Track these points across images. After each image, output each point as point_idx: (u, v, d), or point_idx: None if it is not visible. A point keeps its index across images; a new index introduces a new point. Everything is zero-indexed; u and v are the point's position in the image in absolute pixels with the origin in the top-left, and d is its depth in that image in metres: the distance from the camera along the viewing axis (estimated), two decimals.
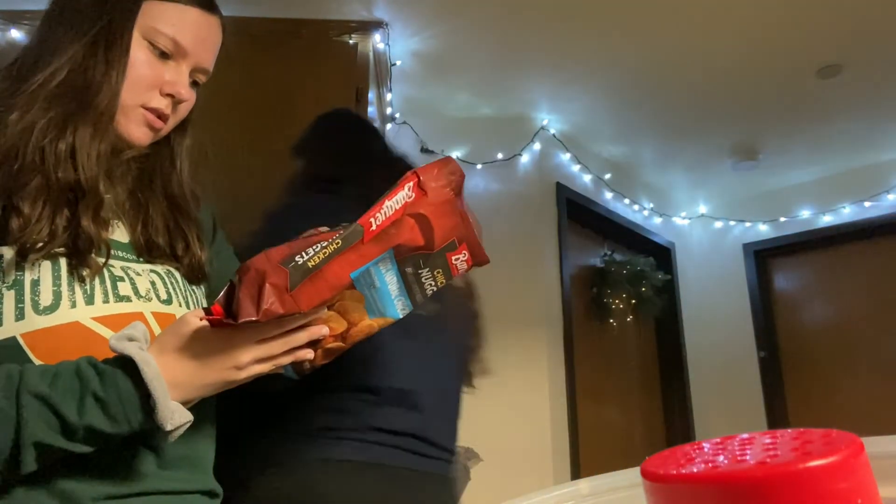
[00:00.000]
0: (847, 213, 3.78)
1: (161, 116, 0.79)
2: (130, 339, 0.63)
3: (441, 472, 1.10)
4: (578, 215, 3.41)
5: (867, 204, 3.71)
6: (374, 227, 0.67)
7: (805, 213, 3.93)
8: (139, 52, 0.76)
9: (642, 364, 3.82)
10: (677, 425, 3.77)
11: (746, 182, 3.99)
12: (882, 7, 2.47)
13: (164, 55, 0.78)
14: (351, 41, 2.42)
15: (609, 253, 3.66)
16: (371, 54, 2.44)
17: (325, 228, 0.70)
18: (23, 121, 0.69)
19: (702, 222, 4.30)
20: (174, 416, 0.62)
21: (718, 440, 0.53)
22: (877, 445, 0.52)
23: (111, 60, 0.74)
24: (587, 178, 3.47)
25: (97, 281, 0.71)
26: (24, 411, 0.58)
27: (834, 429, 0.46)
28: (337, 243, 0.65)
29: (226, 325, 0.63)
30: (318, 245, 0.65)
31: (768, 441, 0.48)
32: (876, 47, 2.72)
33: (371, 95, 2.44)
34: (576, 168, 3.40)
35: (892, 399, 3.48)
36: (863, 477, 0.41)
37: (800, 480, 0.39)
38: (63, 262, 0.69)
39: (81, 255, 0.69)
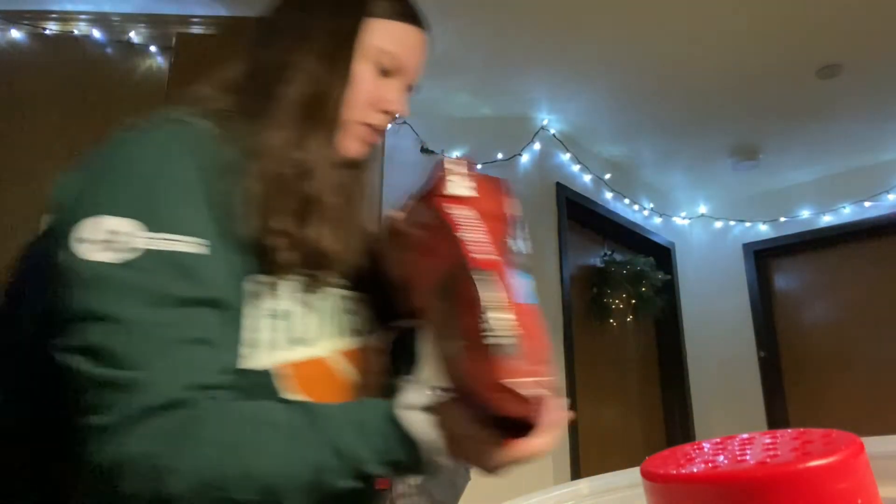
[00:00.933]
0: (847, 213, 3.78)
1: (378, 133, 0.79)
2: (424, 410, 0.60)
3: None
4: (578, 215, 3.41)
5: (867, 204, 3.71)
6: (487, 257, 0.60)
7: (805, 213, 3.93)
8: (362, 69, 0.76)
9: (642, 364, 3.82)
10: (677, 425, 3.77)
11: (746, 182, 3.99)
12: (882, 7, 2.47)
13: (385, 72, 0.78)
14: None
15: (609, 253, 3.66)
16: None
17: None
18: (277, 139, 0.69)
19: (702, 222, 4.30)
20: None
21: (718, 440, 0.53)
22: (877, 445, 0.52)
23: (338, 75, 0.74)
24: (587, 178, 3.47)
25: (333, 312, 0.73)
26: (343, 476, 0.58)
27: (834, 429, 0.46)
28: (502, 296, 0.57)
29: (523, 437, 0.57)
30: (483, 319, 0.55)
31: (768, 441, 0.48)
32: (876, 47, 2.72)
33: None
34: (576, 168, 3.40)
35: (892, 399, 3.48)
36: (863, 477, 0.41)
37: (800, 480, 0.39)
38: (308, 290, 0.69)
39: (320, 279, 0.70)
